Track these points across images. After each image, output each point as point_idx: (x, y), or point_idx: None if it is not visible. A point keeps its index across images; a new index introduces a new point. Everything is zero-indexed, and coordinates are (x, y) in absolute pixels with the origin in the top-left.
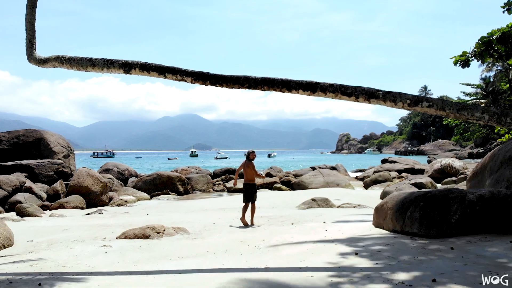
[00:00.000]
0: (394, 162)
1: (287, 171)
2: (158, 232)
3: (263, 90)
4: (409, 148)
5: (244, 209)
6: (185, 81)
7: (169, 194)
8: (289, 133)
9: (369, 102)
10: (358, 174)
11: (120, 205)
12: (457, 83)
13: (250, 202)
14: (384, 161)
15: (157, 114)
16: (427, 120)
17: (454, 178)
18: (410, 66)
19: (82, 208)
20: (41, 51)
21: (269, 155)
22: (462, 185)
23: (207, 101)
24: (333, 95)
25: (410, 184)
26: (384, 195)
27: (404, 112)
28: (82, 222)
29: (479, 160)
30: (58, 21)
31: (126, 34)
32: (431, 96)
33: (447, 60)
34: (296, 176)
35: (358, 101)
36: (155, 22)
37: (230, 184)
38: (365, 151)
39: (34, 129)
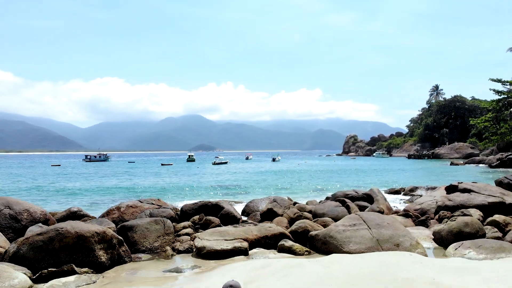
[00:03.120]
0: (468, 191)
1: (299, 206)
2: None
3: None
4: (424, 152)
5: None
6: None
7: (76, 272)
8: (292, 133)
9: None
10: (396, 198)
11: None
12: (470, 84)
13: None
14: (451, 188)
15: (161, 115)
16: (440, 121)
17: None
18: (414, 66)
19: None
20: (41, 53)
21: (273, 159)
22: None
23: (211, 102)
24: None
25: None
26: None
27: (414, 113)
28: None
29: None
30: (57, 23)
31: (126, 35)
32: (444, 96)
33: (457, 61)
34: (315, 215)
35: None
36: (154, 23)
37: (203, 239)
38: (374, 154)
39: None
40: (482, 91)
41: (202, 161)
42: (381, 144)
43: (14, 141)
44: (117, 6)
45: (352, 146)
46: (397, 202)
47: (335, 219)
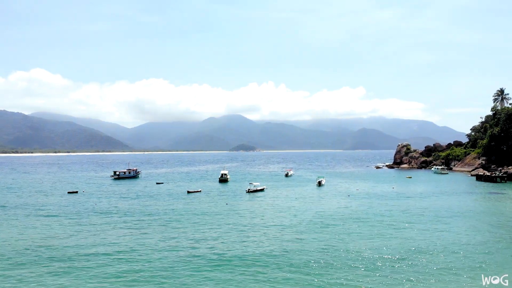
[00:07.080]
0: None
1: None
2: None
3: None
4: (496, 172)
5: None
6: None
7: None
8: (333, 133)
9: None
10: None
11: None
12: None
13: None
14: None
15: (203, 115)
16: (509, 131)
17: None
18: (462, 63)
19: None
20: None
21: (319, 183)
22: None
23: (251, 102)
24: None
25: None
26: None
27: (463, 111)
28: None
29: None
30: (104, 26)
31: (170, 37)
32: (511, 102)
33: None
34: None
35: None
36: (197, 25)
37: None
38: (432, 168)
39: None
40: None
41: (237, 180)
42: (438, 155)
43: (64, 141)
44: (162, 9)
45: (405, 157)
46: None
47: None
